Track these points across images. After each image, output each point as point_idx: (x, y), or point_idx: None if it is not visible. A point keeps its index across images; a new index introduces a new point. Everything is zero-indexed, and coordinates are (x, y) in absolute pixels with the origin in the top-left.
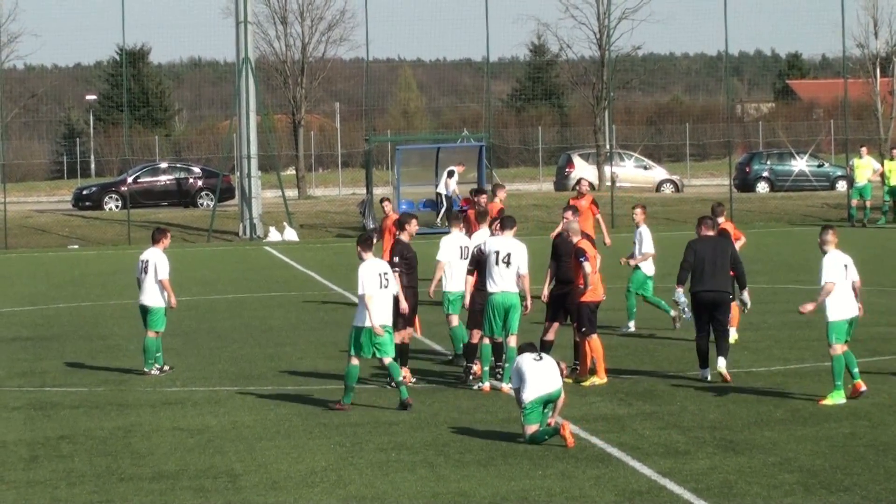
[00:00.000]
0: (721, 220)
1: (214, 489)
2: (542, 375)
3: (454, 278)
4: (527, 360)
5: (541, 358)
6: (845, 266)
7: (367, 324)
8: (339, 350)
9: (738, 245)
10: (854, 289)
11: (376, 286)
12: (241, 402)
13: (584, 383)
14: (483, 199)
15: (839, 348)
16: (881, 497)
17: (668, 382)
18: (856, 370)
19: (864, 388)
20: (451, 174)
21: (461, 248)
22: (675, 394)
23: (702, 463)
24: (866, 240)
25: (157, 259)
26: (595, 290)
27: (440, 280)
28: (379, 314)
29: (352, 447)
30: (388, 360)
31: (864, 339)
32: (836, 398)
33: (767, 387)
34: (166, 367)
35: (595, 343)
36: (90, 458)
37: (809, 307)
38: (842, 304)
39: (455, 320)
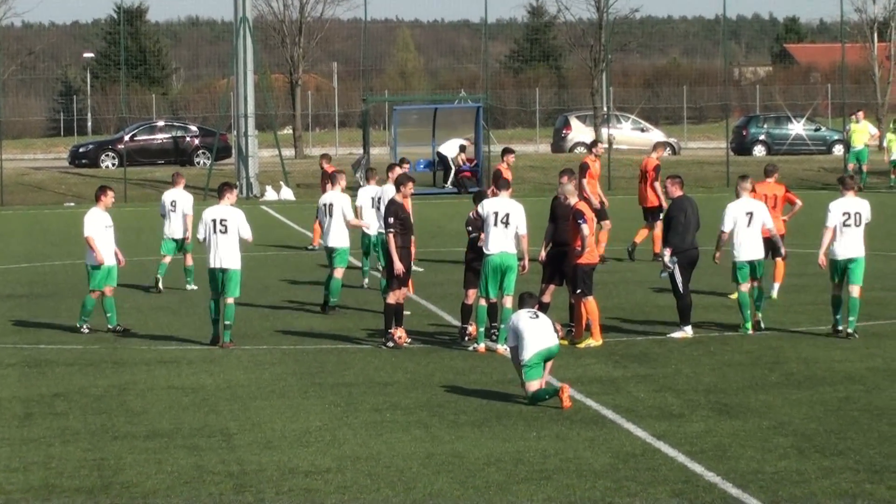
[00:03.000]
0: (771, 180)
1: (209, 448)
2: (540, 332)
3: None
4: (523, 318)
5: (537, 316)
6: (749, 213)
7: (212, 265)
8: (333, 308)
9: (794, 210)
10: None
11: (210, 231)
12: (235, 362)
13: (579, 345)
14: (511, 158)
15: (744, 287)
16: (875, 461)
17: (663, 345)
18: (760, 302)
19: (761, 323)
20: (462, 149)
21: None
22: (669, 357)
23: (696, 426)
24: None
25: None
26: (591, 252)
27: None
28: (213, 256)
29: (346, 407)
30: (230, 300)
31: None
32: (744, 331)
33: (762, 350)
34: (119, 327)
35: (591, 305)
36: (84, 415)
37: (718, 255)
38: (745, 247)
39: None
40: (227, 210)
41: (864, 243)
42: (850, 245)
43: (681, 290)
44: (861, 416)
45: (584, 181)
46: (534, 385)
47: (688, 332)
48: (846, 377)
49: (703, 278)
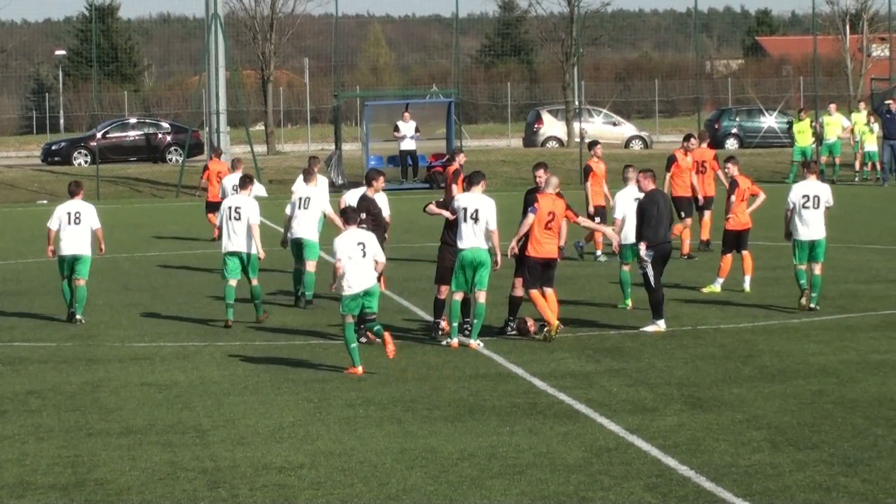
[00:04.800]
0: (735, 170)
1: (182, 444)
2: (360, 272)
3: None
4: (355, 254)
5: (364, 255)
6: (637, 199)
7: (231, 249)
8: (310, 302)
9: (758, 202)
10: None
11: (226, 218)
12: (208, 358)
13: (539, 336)
14: (599, 150)
15: (626, 267)
16: (849, 454)
17: (636, 339)
18: (628, 290)
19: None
20: (396, 129)
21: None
22: (642, 350)
23: (669, 420)
24: (835, 197)
25: (87, 209)
26: (540, 246)
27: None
28: (232, 241)
29: (319, 402)
30: (254, 281)
31: (833, 297)
32: (624, 306)
33: (735, 344)
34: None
35: (534, 295)
36: (58, 412)
37: (616, 238)
38: (632, 231)
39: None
40: (242, 199)
41: (827, 227)
42: (811, 226)
43: (652, 284)
44: (835, 409)
45: (668, 175)
46: (350, 318)
47: (660, 325)
48: (820, 370)
49: (676, 272)
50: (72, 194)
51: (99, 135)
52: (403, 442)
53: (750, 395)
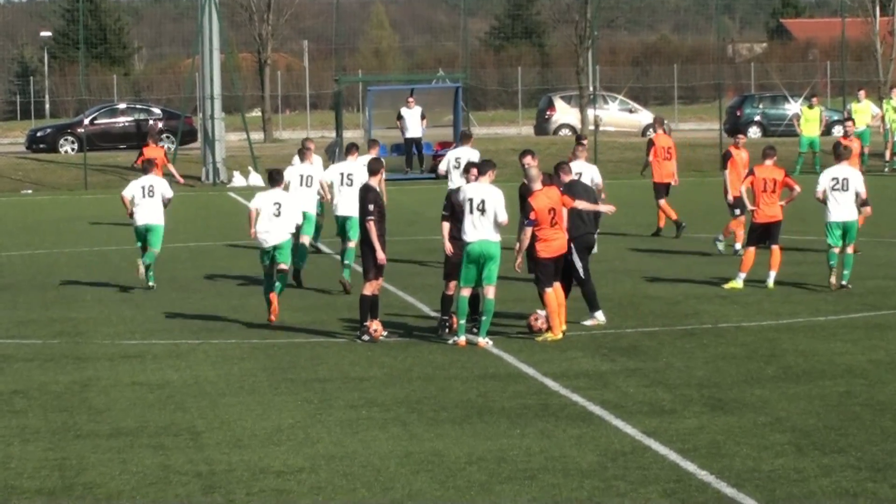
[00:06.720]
0: (769, 163)
1: (175, 447)
2: (273, 229)
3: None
4: (266, 211)
5: (279, 214)
6: (578, 174)
7: (339, 213)
8: (306, 302)
9: (793, 195)
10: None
11: (338, 184)
12: (203, 356)
13: (538, 339)
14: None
15: None
16: (877, 458)
17: (653, 337)
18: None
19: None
20: (399, 117)
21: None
22: (660, 349)
23: (689, 422)
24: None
25: (160, 182)
26: (550, 244)
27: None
28: (341, 205)
29: (320, 404)
30: (351, 243)
31: (861, 293)
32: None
33: (758, 342)
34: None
35: (548, 297)
36: (45, 413)
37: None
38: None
39: None
40: (354, 166)
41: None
42: (841, 209)
43: (581, 275)
44: (863, 412)
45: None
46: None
47: (599, 318)
48: (847, 370)
49: (696, 267)
50: (145, 171)
51: (86, 121)
52: (408, 445)
53: (773, 397)
